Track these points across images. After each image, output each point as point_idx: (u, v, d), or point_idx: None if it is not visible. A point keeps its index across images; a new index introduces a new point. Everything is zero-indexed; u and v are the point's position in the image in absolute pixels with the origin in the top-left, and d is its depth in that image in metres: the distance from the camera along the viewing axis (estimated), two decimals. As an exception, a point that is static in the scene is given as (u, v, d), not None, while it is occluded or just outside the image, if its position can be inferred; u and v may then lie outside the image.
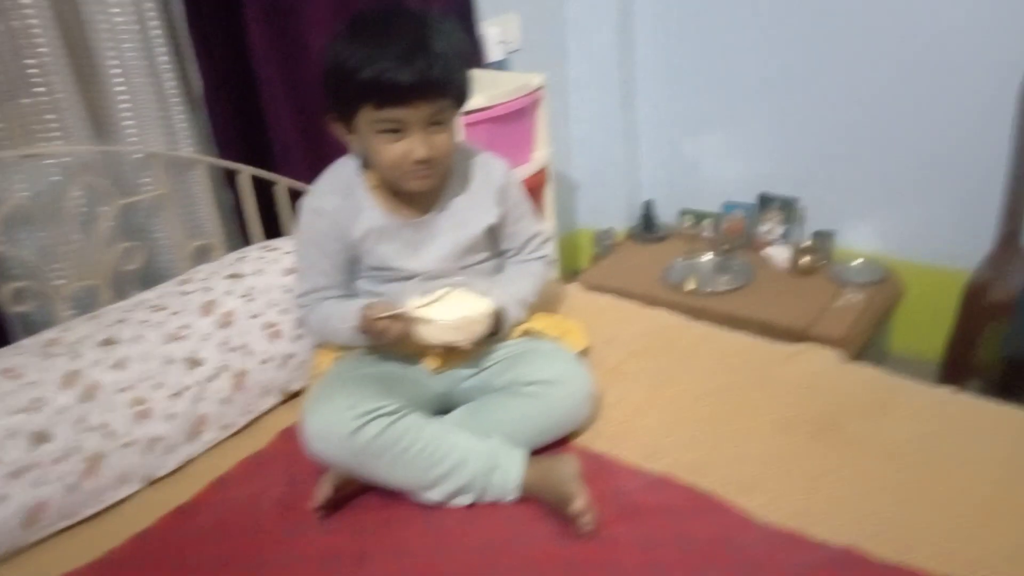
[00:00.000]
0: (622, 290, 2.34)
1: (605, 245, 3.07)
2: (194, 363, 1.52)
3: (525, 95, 2.28)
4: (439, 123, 1.37)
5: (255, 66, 1.95)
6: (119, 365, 1.45)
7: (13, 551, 1.30)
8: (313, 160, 2.03)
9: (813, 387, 1.52)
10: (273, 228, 2.02)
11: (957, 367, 2.22)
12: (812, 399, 1.49)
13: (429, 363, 1.48)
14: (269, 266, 1.73)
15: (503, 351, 1.49)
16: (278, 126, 2.01)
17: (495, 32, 2.58)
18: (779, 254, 2.72)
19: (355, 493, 1.35)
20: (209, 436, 1.51)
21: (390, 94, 1.30)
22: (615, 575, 1.16)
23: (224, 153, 1.95)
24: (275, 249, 1.79)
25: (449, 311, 1.38)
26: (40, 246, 1.69)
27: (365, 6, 1.40)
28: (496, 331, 1.47)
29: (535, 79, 2.32)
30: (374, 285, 1.53)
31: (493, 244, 1.60)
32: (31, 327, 1.69)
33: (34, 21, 1.61)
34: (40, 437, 1.32)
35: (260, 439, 1.54)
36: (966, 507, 1.22)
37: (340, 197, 1.49)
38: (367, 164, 1.49)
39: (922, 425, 1.40)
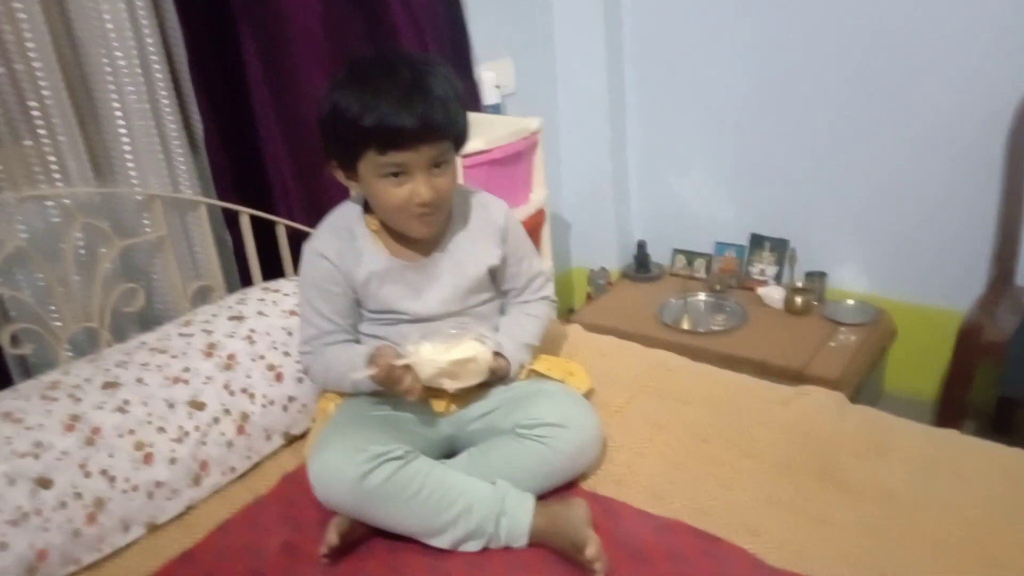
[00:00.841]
0: (617, 329, 2.36)
1: (599, 284, 3.09)
2: (196, 406, 1.50)
3: (523, 138, 2.30)
4: (441, 165, 1.38)
5: (254, 109, 1.97)
6: (121, 409, 1.44)
7: (13, 600, 1.27)
8: (311, 202, 2.05)
9: (814, 429, 1.53)
10: (273, 269, 2.02)
11: (952, 406, 2.24)
12: (813, 441, 1.49)
13: (436, 405, 1.48)
14: (270, 308, 1.72)
15: (510, 392, 1.49)
16: (276, 168, 2.03)
17: (490, 76, 2.62)
18: (772, 294, 2.75)
19: (361, 539, 1.33)
20: (212, 480, 1.49)
21: (392, 139, 1.31)
22: (624, 621, 1.15)
23: (224, 195, 1.96)
24: (276, 291, 1.79)
25: (451, 353, 1.38)
26: (39, 288, 1.68)
27: (361, 52, 1.41)
28: (501, 375, 1.48)
29: (533, 123, 2.35)
30: (376, 328, 1.52)
31: (495, 285, 1.60)
32: (30, 369, 1.68)
33: (37, 64, 1.61)
34: (41, 483, 1.30)
35: (263, 483, 1.53)
36: (965, 548, 1.22)
37: (342, 241, 1.49)
38: (368, 208, 1.50)
39: (922, 466, 1.41)
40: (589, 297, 3.13)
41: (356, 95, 1.31)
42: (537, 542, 1.29)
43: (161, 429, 1.45)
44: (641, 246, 3.10)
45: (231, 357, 1.59)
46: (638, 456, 1.50)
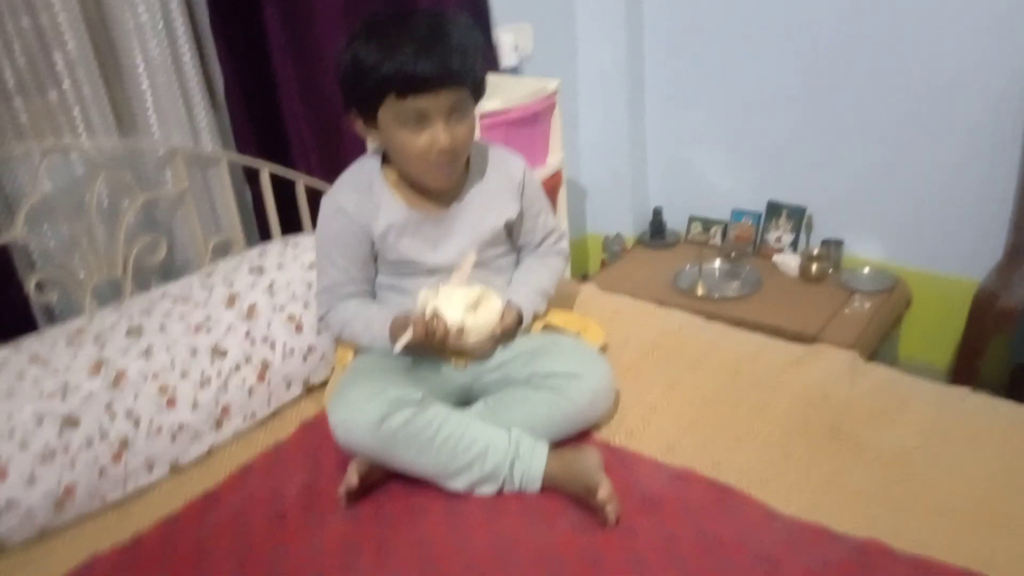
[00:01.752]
0: (632, 295, 2.36)
1: (614, 251, 3.10)
2: (218, 353, 1.53)
3: (541, 99, 2.30)
4: (460, 113, 1.40)
5: (274, 66, 1.98)
6: (145, 354, 1.47)
7: (43, 533, 1.31)
8: (330, 159, 2.07)
9: (827, 389, 1.53)
10: (292, 225, 2.04)
11: (965, 375, 2.23)
12: (826, 401, 1.50)
13: (455, 361, 1.50)
14: (290, 261, 1.75)
15: (525, 345, 1.51)
16: (296, 125, 2.04)
17: (508, 39, 2.62)
18: (788, 261, 2.75)
19: (379, 481, 1.36)
20: (233, 425, 1.53)
21: (412, 83, 1.33)
22: (636, 567, 1.17)
23: (244, 151, 1.98)
24: (295, 245, 1.81)
25: (479, 318, 1.42)
26: (64, 239, 1.71)
27: (379, 9, 1.43)
28: (518, 324, 1.50)
29: (551, 84, 2.36)
30: (394, 280, 1.55)
31: (511, 239, 1.62)
32: (55, 318, 1.72)
33: (61, 18, 1.63)
34: (69, 422, 1.34)
35: (283, 429, 1.56)
36: (981, 504, 1.23)
37: (360, 194, 1.51)
38: (386, 160, 1.52)
39: (936, 424, 1.41)
40: (604, 263, 3.14)
41: (376, 45, 1.33)
42: (550, 487, 1.32)
43: (184, 374, 1.49)
44: (657, 213, 3.10)
45: (252, 307, 1.62)
46: (651, 411, 1.52)
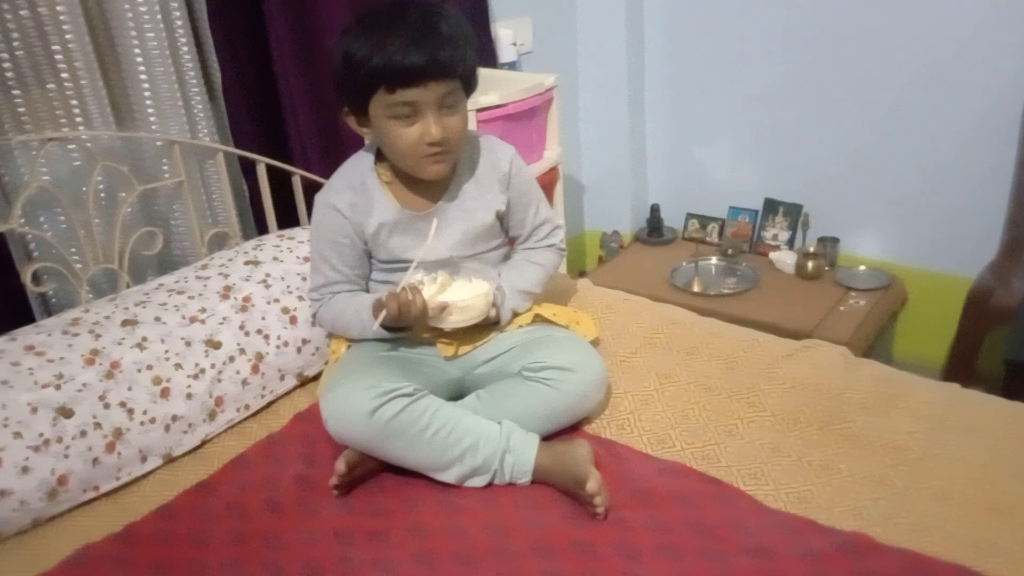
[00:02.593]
0: (628, 291, 2.37)
1: (612, 247, 3.10)
2: (213, 345, 1.54)
3: (538, 94, 2.31)
4: (451, 106, 1.40)
5: (273, 59, 1.99)
6: (140, 345, 1.48)
7: (36, 522, 1.32)
8: (328, 153, 2.07)
9: (821, 382, 1.54)
10: (288, 219, 2.04)
11: (960, 372, 2.25)
12: (820, 394, 1.51)
13: (443, 350, 1.51)
14: (286, 254, 1.75)
15: (517, 337, 1.52)
16: (295, 119, 2.05)
17: (507, 34, 2.62)
18: (784, 259, 2.76)
19: (371, 473, 1.37)
20: (226, 416, 1.54)
21: (402, 75, 1.33)
22: (627, 558, 1.17)
23: (241, 144, 1.98)
24: (291, 238, 1.82)
25: (457, 294, 1.43)
26: (61, 229, 1.72)
27: (375, 2, 1.43)
28: (496, 320, 1.51)
29: (548, 79, 2.36)
30: (386, 276, 1.55)
31: (503, 231, 1.62)
32: (51, 308, 1.72)
33: (60, 8, 1.63)
34: (63, 412, 1.35)
35: (276, 421, 1.57)
36: (973, 499, 1.23)
37: (354, 193, 1.51)
38: (380, 158, 1.52)
39: (929, 418, 1.42)
40: (601, 260, 3.15)
41: (365, 38, 1.34)
42: (541, 479, 1.33)
43: (178, 366, 1.49)
44: (655, 210, 3.11)
45: (247, 299, 1.63)
46: (643, 403, 1.53)
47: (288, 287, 1.69)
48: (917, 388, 1.52)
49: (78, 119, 1.71)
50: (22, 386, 1.34)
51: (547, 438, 1.39)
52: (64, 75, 1.68)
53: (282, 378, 1.63)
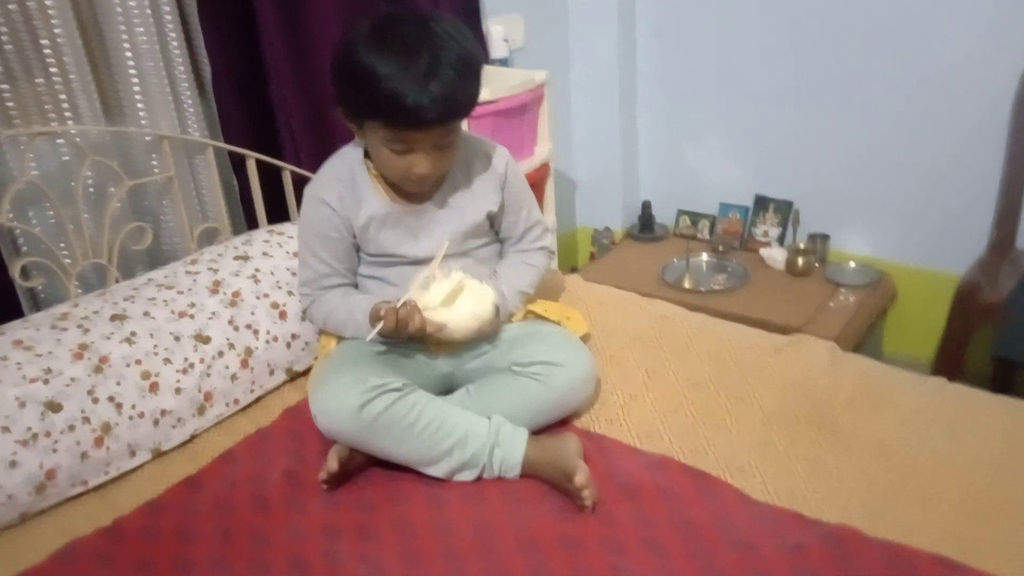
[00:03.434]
0: (619, 288, 2.37)
1: (603, 244, 3.11)
2: (202, 340, 1.54)
3: (529, 90, 2.31)
4: (447, 145, 1.40)
5: (264, 54, 1.98)
6: (128, 340, 1.47)
7: (23, 517, 1.32)
8: (318, 149, 2.06)
9: (809, 378, 1.55)
10: (278, 214, 2.04)
11: (948, 368, 2.26)
12: (808, 390, 1.52)
13: (433, 348, 1.51)
14: (275, 249, 1.76)
15: (507, 333, 1.52)
16: (285, 114, 2.04)
17: (499, 30, 2.61)
18: (775, 255, 2.76)
19: (360, 468, 1.37)
20: (215, 411, 1.54)
21: (403, 119, 1.32)
22: (614, 552, 1.18)
23: (231, 139, 1.98)
24: (281, 233, 1.82)
25: (459, 312, 1.41)
26: (50, 223, 1.72)
27: (381, 8, 1.40)
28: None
29: (539, 75, 2.36)
30: (375, 270, 1.55)
31: (493, 230, 1.62)
32: (40, 303, 1.72)
33: (49, 1, 1.63)
34: (51, 406, 1.34)
35: (265, 416, 1.57)
36: (961, 494, 1.24)
37: (342, 186, 1.50)
38: (369, 153, 1.52)
39: (916, 414, 1.42)
40: (592, 256, 3.15)
41: (375, 60, 1.29)
42: (529, 473, 1.33)
43: (167, 360, 1.49)
44: (646, 206, 3.11)
45: (236, 294, 1.62)
46: (632, 399, 1.53)
47: (278, 282, 1.69)
48: (904, 382, 1.53)
49: (67, 114, 1.70)
50: (10, 380, 1.34)
51: (536, 432, 1.39)
52: (53, 69, 1.67)
53: (271, 373, 1.63)
